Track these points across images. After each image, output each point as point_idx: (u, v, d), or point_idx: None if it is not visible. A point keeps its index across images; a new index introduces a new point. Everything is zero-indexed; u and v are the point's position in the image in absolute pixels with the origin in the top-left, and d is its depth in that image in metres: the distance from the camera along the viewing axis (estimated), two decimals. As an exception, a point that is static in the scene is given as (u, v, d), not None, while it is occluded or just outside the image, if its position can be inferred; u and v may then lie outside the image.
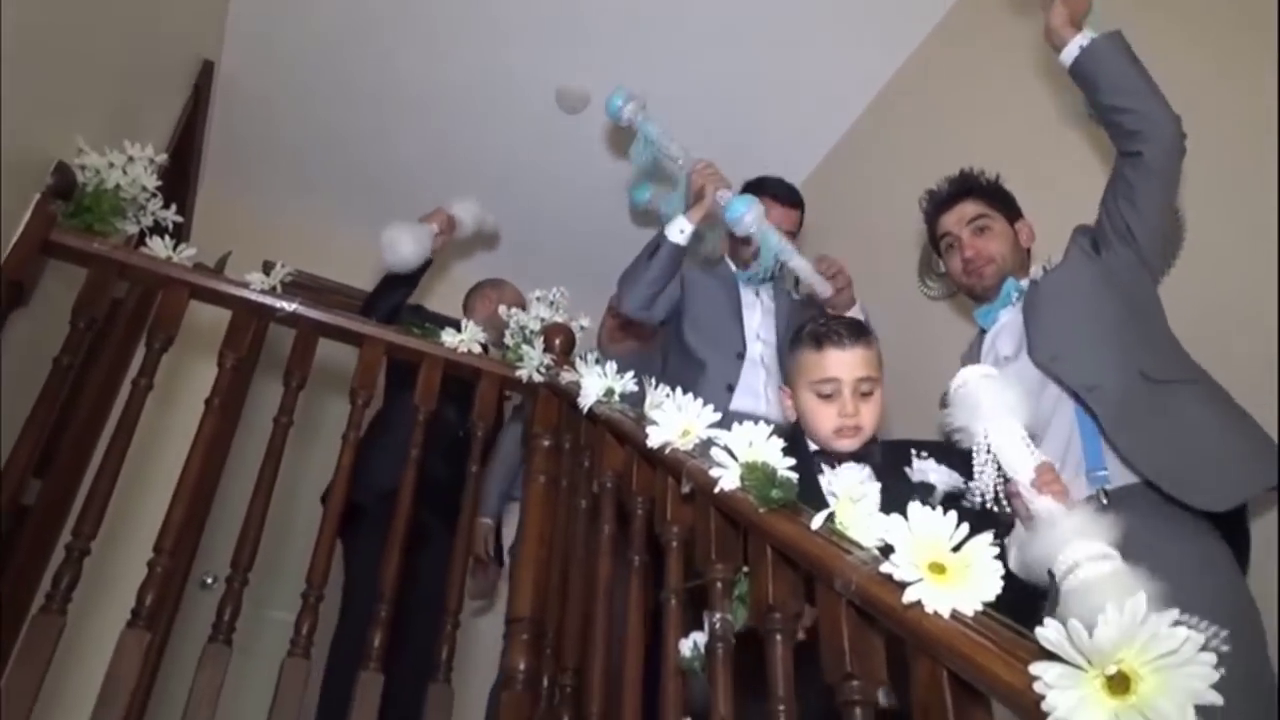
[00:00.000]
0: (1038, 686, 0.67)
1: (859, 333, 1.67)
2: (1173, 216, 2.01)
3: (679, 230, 2.38)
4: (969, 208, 2.05)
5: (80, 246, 1.95)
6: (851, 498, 1.06)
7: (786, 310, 2.63)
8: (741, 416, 1.83)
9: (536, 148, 3.60)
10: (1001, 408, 1.32)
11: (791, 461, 1.20)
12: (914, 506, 0.87)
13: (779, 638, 1.10)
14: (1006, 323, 1.98)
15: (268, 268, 2.14)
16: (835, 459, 1.63)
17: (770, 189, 2.64)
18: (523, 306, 2.54)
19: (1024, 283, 1.98)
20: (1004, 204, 2.06)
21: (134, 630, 1.67)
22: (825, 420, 1.63)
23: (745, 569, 1.23)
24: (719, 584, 1.26)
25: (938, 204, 2.11)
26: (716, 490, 1.22)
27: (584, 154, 3.61)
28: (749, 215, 2.32)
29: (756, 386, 2.45)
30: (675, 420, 1.44)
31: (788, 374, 1.77)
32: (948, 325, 2.69)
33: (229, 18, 3.12)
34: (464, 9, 3.06)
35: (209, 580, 3.24)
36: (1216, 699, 0.61)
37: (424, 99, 3.43)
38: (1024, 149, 2.46)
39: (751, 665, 1.15)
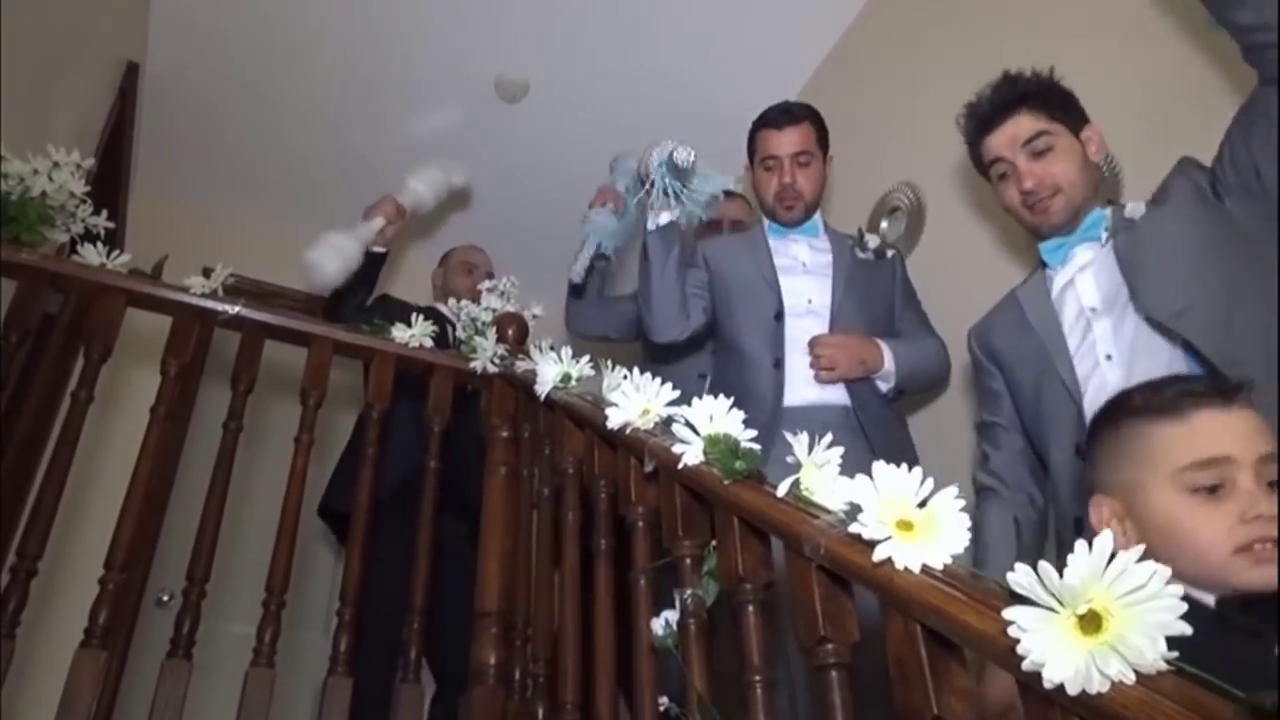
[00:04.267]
0: (1012, 631, 0.67)
1: (1232, 388, 1.07)
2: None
3: (654, 223, 2.05)
4: (1023, 123, 1.65)
5: (8, 258, 1.87)
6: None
7: (847, 269, 2.21)
8: (798, 416, 1.60)
9: (477, 137, 3.56)
10: None
11: (754, 433, 1.19)
12: (878, 465, 0.87)
13: (751, 608, 1.10)
14: (1088, 264, 1.62)
15: (207, 272, 2.09)
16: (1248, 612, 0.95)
17: (761, 120, 2.30)
18: (489, 274, 2.82)
19: (1107, 212, 1.63)
20: (1065, 110, 1.66)
21: (88, 650, 1.62)
22: (1220, 536, 0.99)
23: (714, 544, 1.23)
24: (688, 560, 1.26)
25: (981, 122, 1.71)
26: (680, 466, 1.21)
27: (525, 142, 3.57)
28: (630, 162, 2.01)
29: (809, 370, 2.08)
30: (634, 400, 1.43)
31: (1103, 480, 1.14)
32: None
33: (151, 17, 3.03)
34: None
35: (165, 598, 3.16)
36: (1185, 629, 0.62)
37: (361, 91, 3.36)
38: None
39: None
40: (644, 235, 2.07)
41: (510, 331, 2.22)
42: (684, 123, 3.32)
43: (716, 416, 1.21)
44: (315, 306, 2.90)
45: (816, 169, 2.27)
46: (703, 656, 1.18)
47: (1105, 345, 1.55)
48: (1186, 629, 0.62)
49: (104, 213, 2.08)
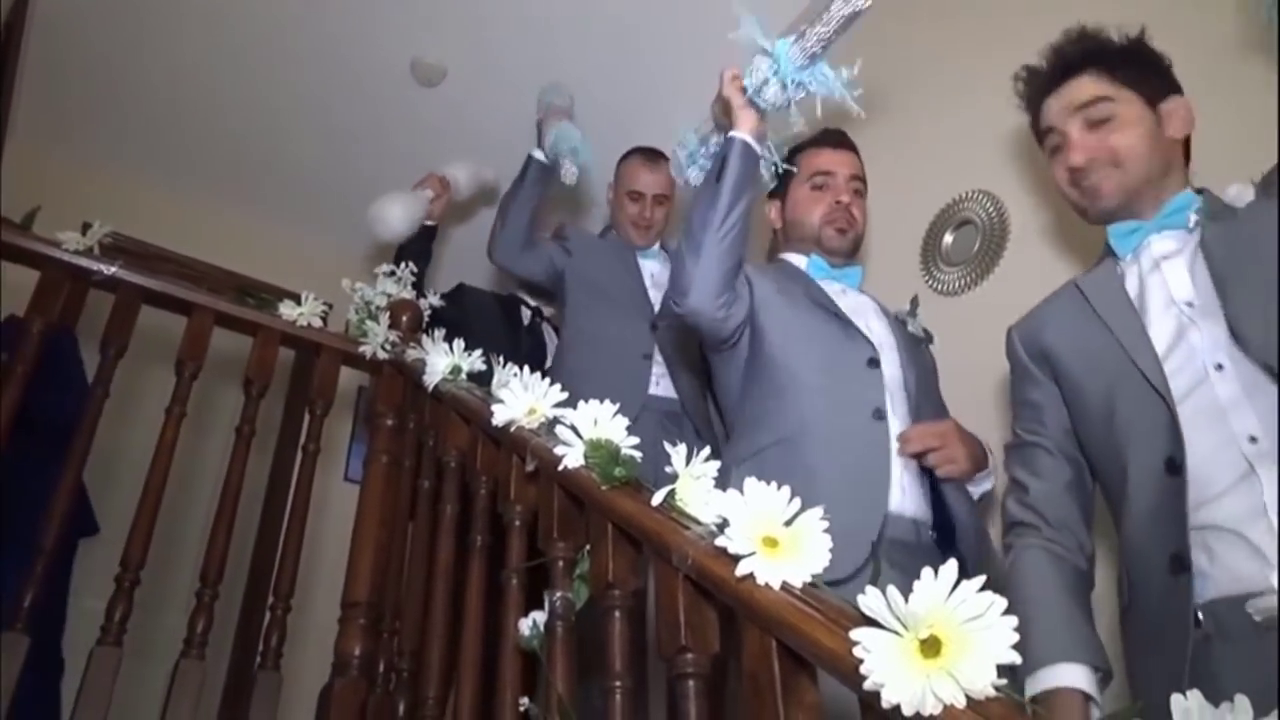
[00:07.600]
0: (857, 651, 0.69)
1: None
2: None
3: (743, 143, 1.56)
4: (1083, 86, 1.38)
5: None
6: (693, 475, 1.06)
7: (905, 339, 1.81)
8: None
9: (388, 120, 3.47)
10: None
11: (636, 440, 1.20)
12: (749, 481, 0.88)
13: (617, 614, 1.10)
14: (1173, 253, 1.31)
15: (85, 228, 1.98)
16: None
17: (813, 140, 1.88)
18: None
19: (1195, 201, 1.32)
20: (1142, 76, 1.38)
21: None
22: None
23: (587, 548, 1.23)
24: (560, 562, 1.26)
25: (1040, 85, 1.44)
26: (560, 468, 1.21)
27: (438, 129, 3.51)
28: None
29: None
30: (521, 399, 1.43)
31: None
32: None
33: (47, -49, 2.86)
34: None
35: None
36: (1015, 659, 0.65)
37: (268, 59, 3.23)
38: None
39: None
40: (723, 148, 1.58)
41: (404, 318, 2.18)
42: (602, 116, 3.32)
43: (600, 421, 1.22)
44: (203, 276, 2.80)
45: (863, 205, 1.90)
46: (566, 659, 1.18)
47: (1213, 352, 1.20)
48: (1017, 658, 0.66)
49: (-27, 154, 1.96)
